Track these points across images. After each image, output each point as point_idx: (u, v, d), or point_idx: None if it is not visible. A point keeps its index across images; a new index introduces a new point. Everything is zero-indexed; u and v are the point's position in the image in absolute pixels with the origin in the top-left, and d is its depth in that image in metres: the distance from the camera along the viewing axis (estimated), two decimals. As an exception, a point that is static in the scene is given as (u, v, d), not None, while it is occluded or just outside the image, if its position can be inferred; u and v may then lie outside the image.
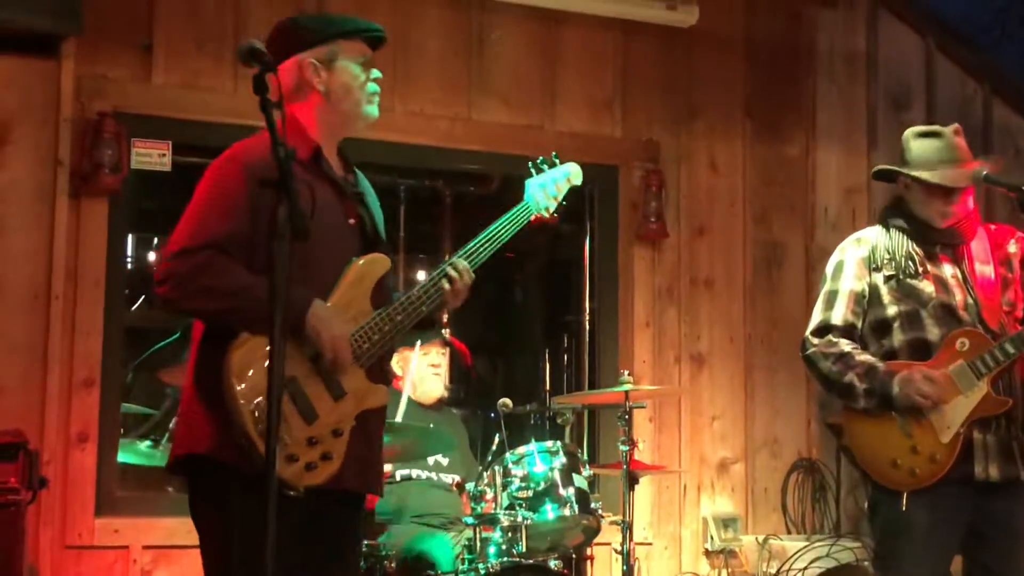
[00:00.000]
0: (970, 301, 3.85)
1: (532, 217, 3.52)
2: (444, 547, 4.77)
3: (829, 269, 4.06)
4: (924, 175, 3.89)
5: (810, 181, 6.82)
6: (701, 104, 6.62)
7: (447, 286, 3.25)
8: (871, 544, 4.04)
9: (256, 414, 2.92)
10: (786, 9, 6.86)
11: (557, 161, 3.66)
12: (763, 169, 6.72)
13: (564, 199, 3.63)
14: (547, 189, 3.57)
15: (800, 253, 6.75)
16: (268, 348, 2.86)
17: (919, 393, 3.75)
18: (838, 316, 3.94)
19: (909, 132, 4.05)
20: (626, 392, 4.96)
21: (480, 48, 6.20)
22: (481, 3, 6.17)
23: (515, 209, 3.49)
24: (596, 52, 6.42)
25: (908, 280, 3.87)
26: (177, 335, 6.07)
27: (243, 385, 2.94)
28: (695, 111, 6.61)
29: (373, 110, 3.33)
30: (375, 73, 3.32)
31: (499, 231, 3.40)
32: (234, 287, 2.98)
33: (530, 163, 3.61)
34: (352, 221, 3.26)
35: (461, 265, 3.28)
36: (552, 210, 3.57)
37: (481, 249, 3.35)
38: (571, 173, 3.66)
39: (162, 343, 6.17)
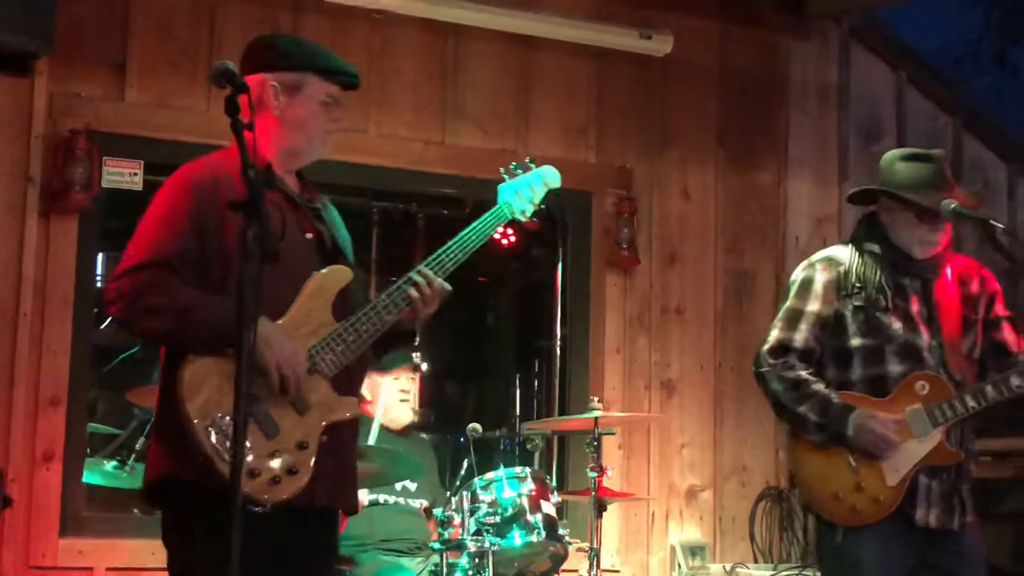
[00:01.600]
0: (935, 343, 3.79)
1: (507, 221, 3.44)
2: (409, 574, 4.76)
3: (795, 285, 3.93)
4: (917, 198, 3.78)
5: (781, 210, 6.85)
6: (674, 132, 6.65)
7: (414, 293, 3.21)
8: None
9: (210, 431, 2.91)
10: (760, 40, 6.90)
11: (532, 165, 3.58)
12: (735, 198, 6.74)
13: (542, 203, 3.55)
14: (522, 193, 3.50)
15: (770, 282, 6.76)
16: (219, 365, 2.92)
17: (871, 443, 3.70)
18: (799, 339, 3.84)
19: (893, 154, 3.93)
20: (595, 419, 4.95)
21: (455, 72, 6.21)
22: (456, 28, 6.18)
23: (487, 215, 3.42)
24: (571, 79, 6.45)
25: (876, 314, 3.79)
26: (135, 349, 6.05)
27: (195, 403, 2.93)
28: (668, 139, 6.63)
29: (324, 150, 3.30)
30: (338, 114, 3.29)
31: (469, 237, 3.34)
32: (179, 307, 2.97)
33: (501, 169, 3.55)
34: (310, 235, 3.25)
35: (426, 271, 3.25)
36: (528, 214, 3.50)
37: (450, 256, 3.30)
38: (547, 176, 3.57)
39: (120, 356, 6.14)
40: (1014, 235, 4.09)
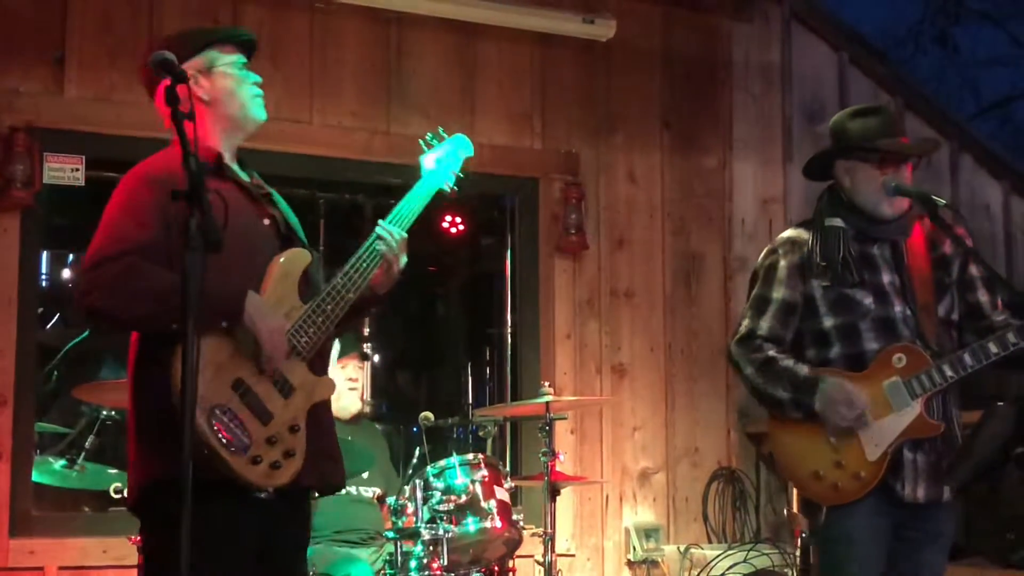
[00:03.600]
0: (908, 313, 3.71)
1: (435, 191, 3.49)
2: (365, 568, 4.74)
3: (761, 271, 3.87)
4: (883, 143, 3.72)
5: (727, 192, 6.89)
6: (620, 116, 6.67)
7: (382, 247, 3.26)
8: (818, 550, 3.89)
9: (213, 422, 2.92)
10: (702, 23, 6.93)
11: (445, 135, 3.64)
12: (681, 181, 6.77)
13: (463, 173, 3.61)
14: (443, 164, 3.55)
15: (718, 264, 6.81)
16: (211, 354, 2.91)
17: (838, 415, 3.63)
18: (765, 327, 3.78)
19: (842, 116, 3.87)
20: (547, 404, 4.96)
21: (399, 61, 6.20)
22: (399, 17, 6.16)
23: (416, 188, 3.47)
24: (515, 65, 6.45)
25: (845, 291, 3.72)
26: (86, 334, 5.98)
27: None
28: (614, 123, 6.65)
29: (260, 112, 3.33)
30: (253, 76, 3.32)
31: (403, 213, 3.38)
32: (164, 288, 2.94)
33: (420, 140, 3.60)
34: (267, 221, 3.26)
35: (386, 226, 3.30)
36: (452, 185, 3.55)
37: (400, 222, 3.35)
38: (462, 144, 3.64)
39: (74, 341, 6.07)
40: (956, 211, 4.05)
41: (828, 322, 3.74)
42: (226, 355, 2.99)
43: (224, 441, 2.92)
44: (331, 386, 3.23)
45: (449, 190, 3.55)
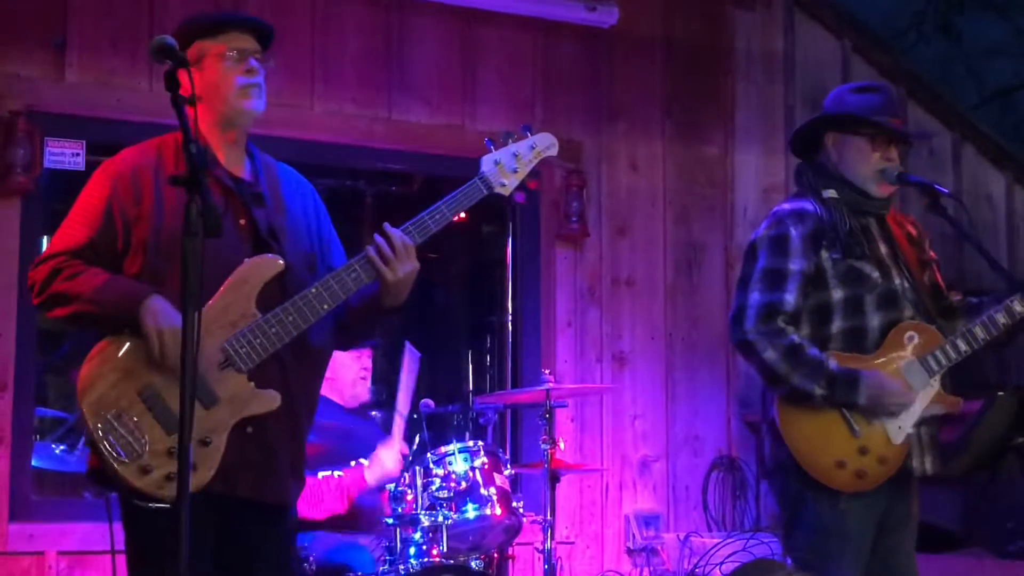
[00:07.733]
0: (907, 285, 3.68)
1: (483, 196, 3.24)
2: (363, 551, 4.75)
3: (765, 243, 3.71)
4: (879, 119, 3.69)
5: (729, 181, 6.87)
6: (621, 104, 6.65)
7: (372, 253, 3.10)
8: (798, 544, 3.73)
9: (101, 427, 2.92)
10: (704, 10, 6.90)
11: (528, 133, 3.33)
12: (683, 169, 6.76)
13: (535, 173, 3.31)
14: (504, 164, 3.26)
15: (719, 253, 6.80)
16: (122, 358, 2.96)
17: (890, 405, 3.57)
18: (790, 301, 3.61)
19: (842, 89, 3.84)
20: (547, 391, 4.96)
21: (400, 48, 6.18)
22: (400, 2, 6.14)
23: (462, 188, 3.23)
24: (516, 52, 6.43)
25: (854, 263, 3.65)
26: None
27: (90, 398, 2.95)
28: (616, 111, 6.63)
29: (253, 104, 3.22)
30: (249, 64, 3.21)
31: (426, 219, 3.20)
32: (82, 291, 3.03)
33: (487, 139, 3.30)
34: (243, 222, 3.19)
35: (386, 230, 3.13)
36: (512, 187, 3.26)
37: (417, 226, 3.19)
38: (539, 144, 3.31)
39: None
40: (959, 201, 4.04)
41: (836, 294, 3.65)
42: (139, 361, 2.97)
43: (112, 447, 2.91)
44: (271, 401, 3.07)
45: (508, 194, 3.24)
